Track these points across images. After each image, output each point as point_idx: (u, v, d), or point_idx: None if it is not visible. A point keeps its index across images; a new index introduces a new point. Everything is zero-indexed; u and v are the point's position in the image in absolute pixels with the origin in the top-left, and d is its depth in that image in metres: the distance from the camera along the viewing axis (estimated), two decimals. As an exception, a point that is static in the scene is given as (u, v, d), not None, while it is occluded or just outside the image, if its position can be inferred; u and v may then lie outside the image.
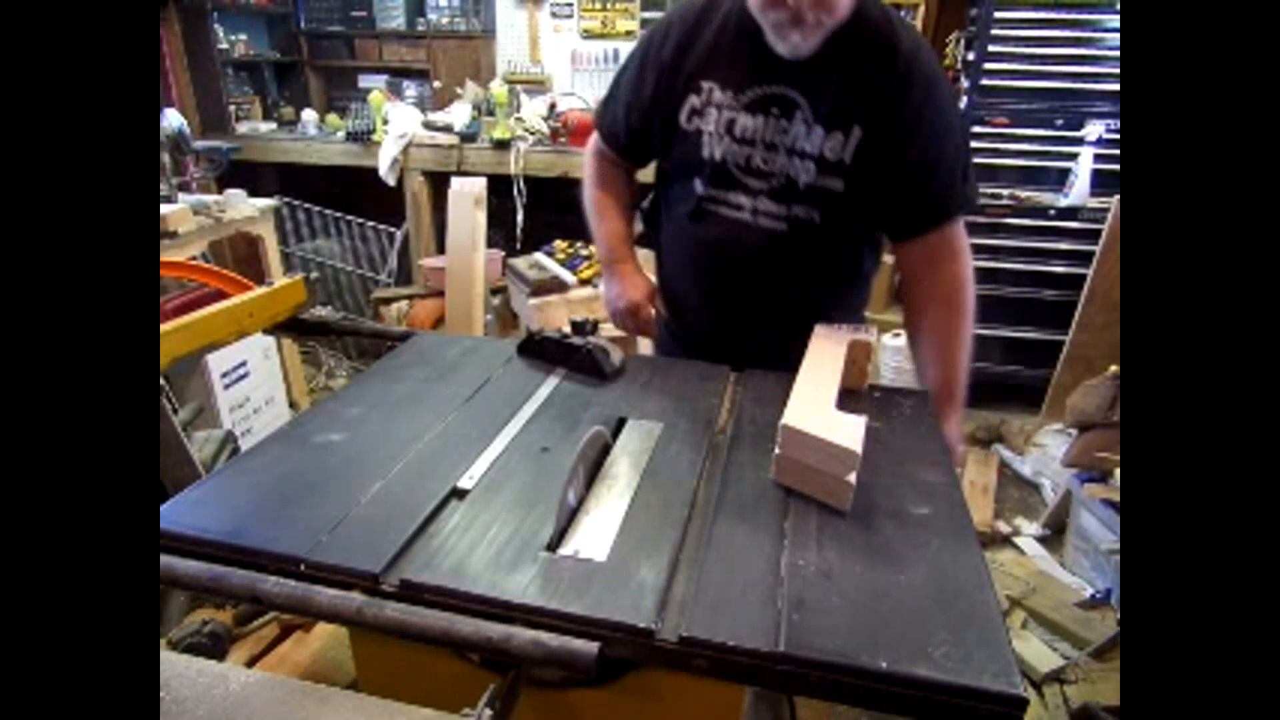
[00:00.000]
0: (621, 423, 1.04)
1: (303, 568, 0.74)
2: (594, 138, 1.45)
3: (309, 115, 4.40)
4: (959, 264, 1.24)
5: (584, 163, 1.48)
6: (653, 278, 1.44)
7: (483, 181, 3.11)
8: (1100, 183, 3.18)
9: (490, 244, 3.31)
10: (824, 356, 1.08)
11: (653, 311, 1.37)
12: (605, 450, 0.96)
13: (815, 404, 0.91)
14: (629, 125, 1.33)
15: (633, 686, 0.75)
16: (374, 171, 3.90)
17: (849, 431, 0.84)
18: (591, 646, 0.66)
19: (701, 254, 1.33)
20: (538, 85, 4.68)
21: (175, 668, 0.67)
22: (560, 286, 2.80)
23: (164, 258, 2.33)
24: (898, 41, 1.14)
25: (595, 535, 0.79)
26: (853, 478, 0.82)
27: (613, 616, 0.67)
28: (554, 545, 0.78)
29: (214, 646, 1.25)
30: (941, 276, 1.24)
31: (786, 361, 1.25)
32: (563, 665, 0.65)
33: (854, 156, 1.16)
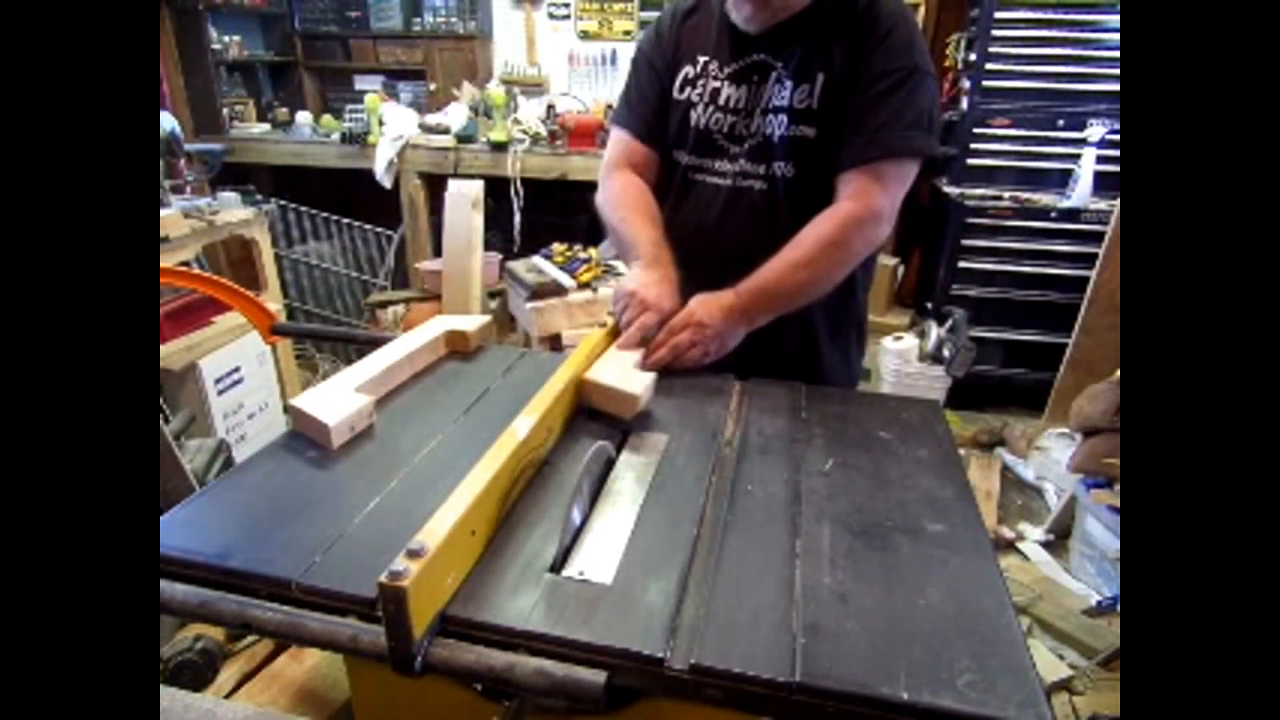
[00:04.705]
0: (626, 433, 1.02)
1: (295, 591, 0.71)
2: (611, 150, 1.42)
3: (304, 117, 4.37)
4: (864, 202, 1.19)
5: (601, 185, 1.40)
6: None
7: (480, 184, 3.09)
8: (1103, 184, 3.17)
9: (487, 247, 3.28)
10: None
11: (653, 321, 1.19)
12: (609, 464, 0.93)
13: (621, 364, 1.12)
14: (646, 113, 1.38)
15: (640, 716, 0.72)
16: (370, 174, 3.87)
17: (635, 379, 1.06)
18: (598, 676, 0.63)
19: (687, 241, 1.31)
20: (535, 87, 4.66)
21: (162, 702, 0.64)
22: (559, 290, 2.77)
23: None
24: None
25: (600, 555, 0.76)
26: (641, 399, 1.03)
27: (620, 643, 0.64)
28: (558, 566, 0.75)
29: (206, 664, 1.21)
30: (839, 207, 1.20)
31: (781, 369, 1.23)
32: (569, 696, 0.62)
33: (820, 101, 1.22)
